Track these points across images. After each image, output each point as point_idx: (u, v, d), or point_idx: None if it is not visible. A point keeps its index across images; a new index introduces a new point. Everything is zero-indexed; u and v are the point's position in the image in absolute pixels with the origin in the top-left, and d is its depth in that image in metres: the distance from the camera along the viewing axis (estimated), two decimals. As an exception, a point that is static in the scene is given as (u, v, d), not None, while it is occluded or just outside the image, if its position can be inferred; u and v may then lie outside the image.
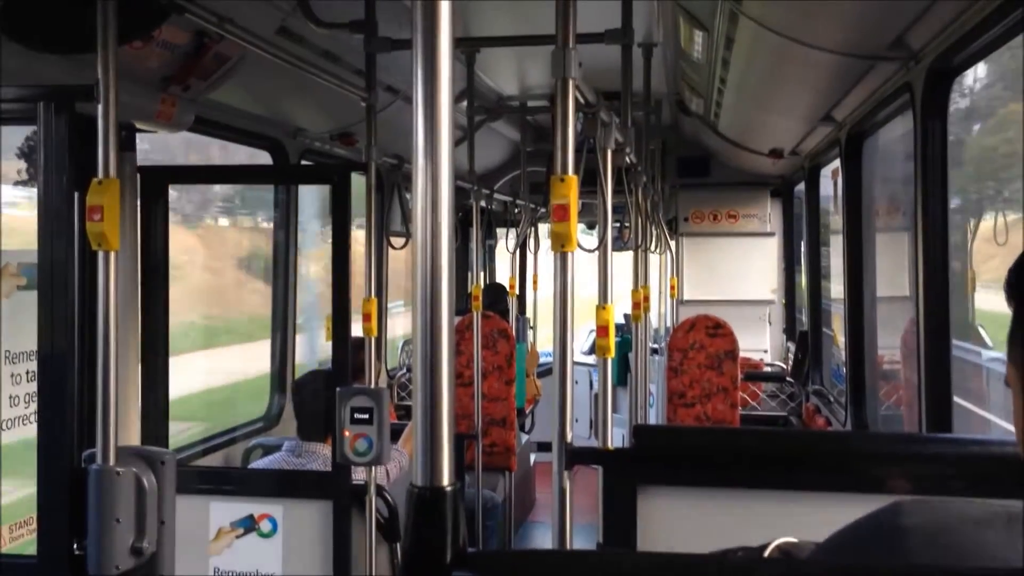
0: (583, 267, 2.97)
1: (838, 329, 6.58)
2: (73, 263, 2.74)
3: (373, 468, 3.50)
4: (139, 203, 3.69)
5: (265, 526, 3.57)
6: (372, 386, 3.79)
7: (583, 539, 3.74)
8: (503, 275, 11.18)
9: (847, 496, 2.38)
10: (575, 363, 3.30)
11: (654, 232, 6.37)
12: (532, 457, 8.65)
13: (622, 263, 5.81)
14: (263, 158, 5.19)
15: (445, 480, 1.25)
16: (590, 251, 3.42)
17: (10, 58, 2.81)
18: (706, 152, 8.31)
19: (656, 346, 7.94)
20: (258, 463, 4.38)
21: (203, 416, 6.44)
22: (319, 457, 4.00)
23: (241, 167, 5.53)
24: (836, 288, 6.56)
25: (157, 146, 5.18)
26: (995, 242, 3.77)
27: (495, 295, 8.33)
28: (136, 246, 3.64)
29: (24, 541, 3.32)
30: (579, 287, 2.82)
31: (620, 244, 5.64)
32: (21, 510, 3.29)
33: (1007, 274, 1.12)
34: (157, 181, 3.80)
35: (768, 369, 8.33)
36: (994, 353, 4.19)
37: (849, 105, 4.69)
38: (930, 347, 3.60)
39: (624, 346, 7.96)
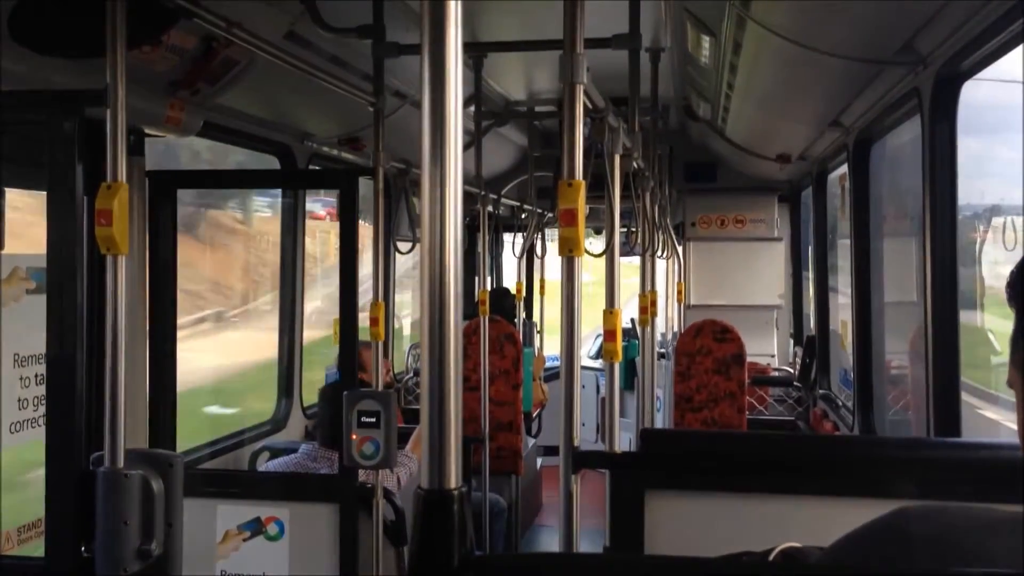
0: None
1: (845, 334, 6.57)
2: (82, 267, 2.75)
3: (380, 471, 3.51)
4: (147, 207, 3.71)
5: (272, 529, 3.57)
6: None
7: (590, 543, 3.74)
8: (510, 280, 11.18)
9: (855, 501, 2.38)
10: (582, 367, 3.31)
11: (661, 237, 6.37)
12: (539, 461, 8.65)
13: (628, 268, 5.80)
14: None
15: (452, 483, 1.25)
16: (597, 255, 3.42)
17: (20, 63, 2.82)
18: (713, 157, 8.31)
19: (663, 351, 7.93)
20: (273, 463, 4.39)
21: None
22: (334, 464, 4.02)
23: (249, 171, 5.55)
24: (844, 293, 6.55)
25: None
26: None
27: (500, 299, 8.34)
28: (144, 250, 3.65)
29: (32, 543, 3.33)
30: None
31: (627, 249, 5.64)
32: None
33: (1009, 277, 1.12)
34: (165, 185, 3.81)
35: (775, 374, 8.32)
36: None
37: (857, 110, 4.69)
38: (938, 351, 3.59)
39: (631, 350, 7.96)
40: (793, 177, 8.04)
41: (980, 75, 3.43)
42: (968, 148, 3.67)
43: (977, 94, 3.57)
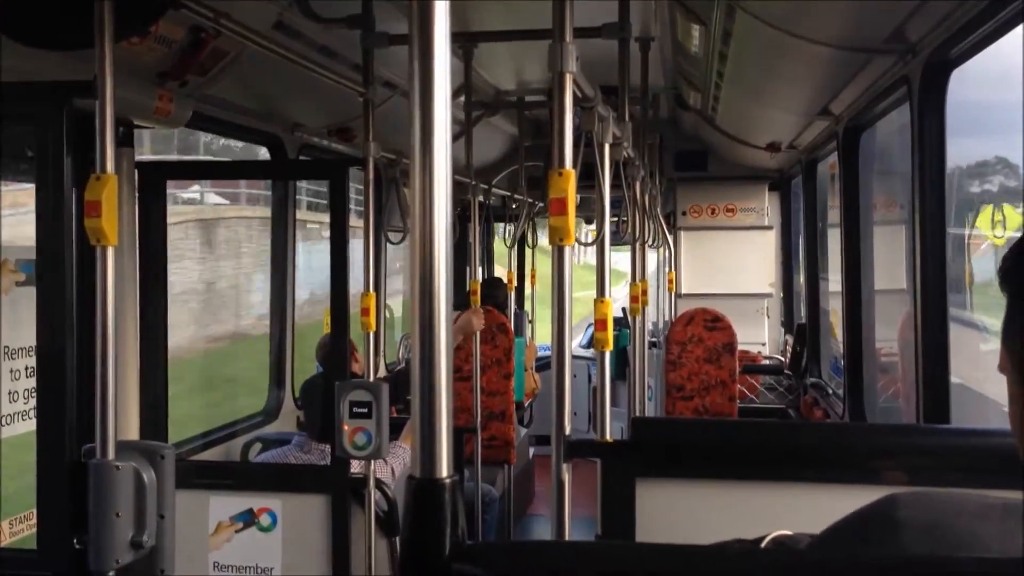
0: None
1: (836, 322, 6.58)
2: (72, 259, 2.74)
3: (372, 462, 3.51)
4: (137, 198, 3.70)
5: (264, 520, 3.57)
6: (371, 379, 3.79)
7: (582, 531, 3.74)
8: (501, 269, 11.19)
9: (845, 488, 2.39)
10: (573, 357, 3.31)
11: (652, 226, 6.37)
12: (531, 451, 8.66)
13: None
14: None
15: (443, 472, 1.25)
16: (587, 244, 3.42)
17: (8, 55, 2.80)
18: (704, 146, 8.31)
19: (655, 339, 7.94)
20: (265, 455, 4.39)
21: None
22: (327, 456, 4.01)
23: (239, 162, 5.56)
24: (834, 281, 6.57)
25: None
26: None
27: (491, 289, 8.34)
28: (134, 241, 3.64)
29: (24, 536, 3.32)
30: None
31: (618, 238, 5.64)
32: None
33: (1001, 262, 1.12)
34: (155, 177, 3.80)
35: (766, 362, 8.34)
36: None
37: (846, 99, 4.70)
38: (927, 338, 3.60)
39: (622, 339, 7.97)
40: (783, 165, 8.05)
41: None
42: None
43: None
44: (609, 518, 2.64)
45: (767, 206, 8.72)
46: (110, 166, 2.54)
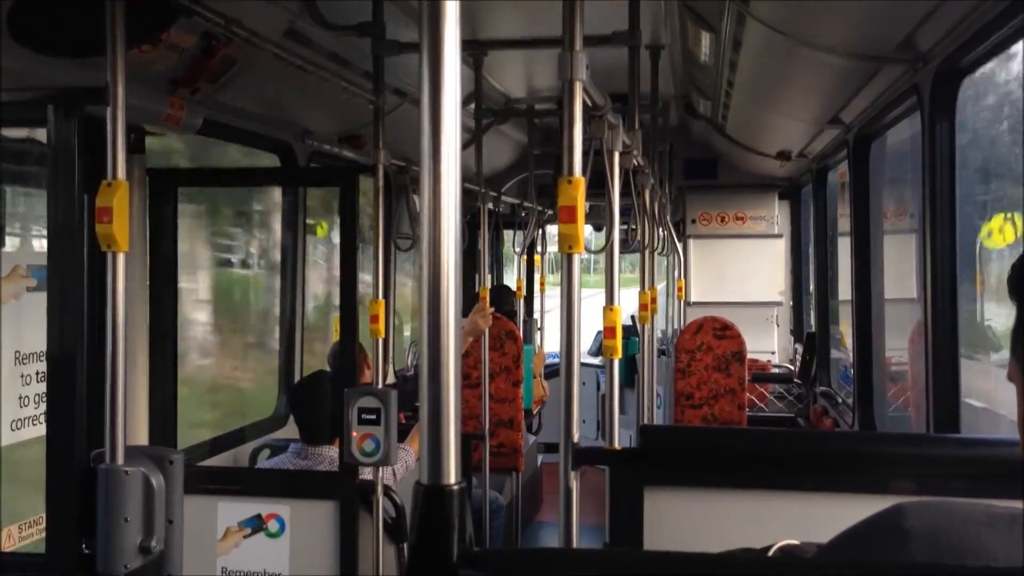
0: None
1: (845, 331, 6.57)
2: (83, 265, 2.75)
3: (380, 468, 3.51)
4: (148, 205, 3.72)
5: (272, 526, 3.58)
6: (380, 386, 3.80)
7: (590, 539, 3.75)
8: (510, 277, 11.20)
9: (854, 497, 2.39)
10: (582, 364, 3.31)
11: (661, 234, 6.37)
12: (539, 458, 8.66)
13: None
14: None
15: (451, 479, 1.25)
16: (596, 252, 3.42)
17: (19, 61, 2.82)
18: (714, 154, 8.30)
19: (664, 347, 7.93)
20: (263, 465, 4.39)
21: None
22: (325, 459, 4.01)
23: (250, 169, 5.56)
24: (843, 289, 6.56)
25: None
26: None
27: (501, 296, 8.34)
28: (145, 248, 3.66)
29: (35, 540, 3.33)
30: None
31: (627, 246, 5.64)
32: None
33: (1009, 271, 1.12)
34: (166, 183, 3.82)
35: (775, 370, 8.32)
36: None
37: (857, 107, 4.69)
38: (937, 348, 3.60)
39: (631, 347, 7.97)
40: (793, 174, 8.04)
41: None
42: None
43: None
44: (617, 526, 2.64)
45: (777, 214, 8.71)
46: (121, 172, 2.55)
